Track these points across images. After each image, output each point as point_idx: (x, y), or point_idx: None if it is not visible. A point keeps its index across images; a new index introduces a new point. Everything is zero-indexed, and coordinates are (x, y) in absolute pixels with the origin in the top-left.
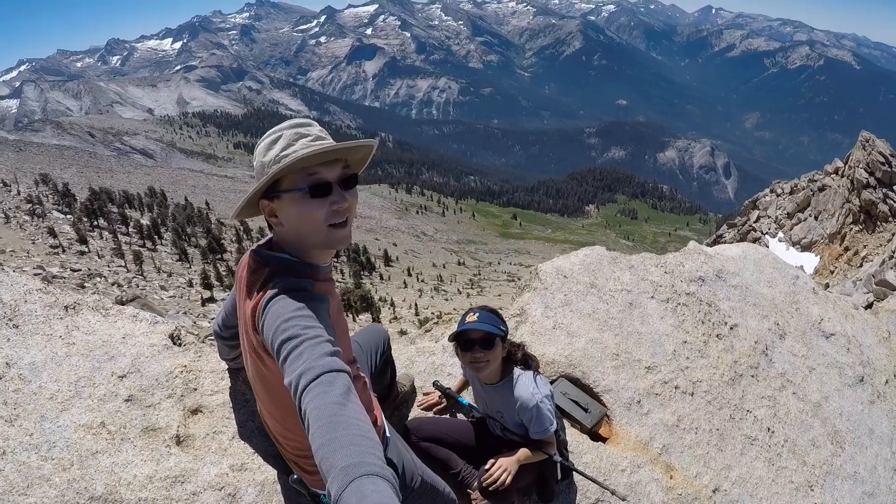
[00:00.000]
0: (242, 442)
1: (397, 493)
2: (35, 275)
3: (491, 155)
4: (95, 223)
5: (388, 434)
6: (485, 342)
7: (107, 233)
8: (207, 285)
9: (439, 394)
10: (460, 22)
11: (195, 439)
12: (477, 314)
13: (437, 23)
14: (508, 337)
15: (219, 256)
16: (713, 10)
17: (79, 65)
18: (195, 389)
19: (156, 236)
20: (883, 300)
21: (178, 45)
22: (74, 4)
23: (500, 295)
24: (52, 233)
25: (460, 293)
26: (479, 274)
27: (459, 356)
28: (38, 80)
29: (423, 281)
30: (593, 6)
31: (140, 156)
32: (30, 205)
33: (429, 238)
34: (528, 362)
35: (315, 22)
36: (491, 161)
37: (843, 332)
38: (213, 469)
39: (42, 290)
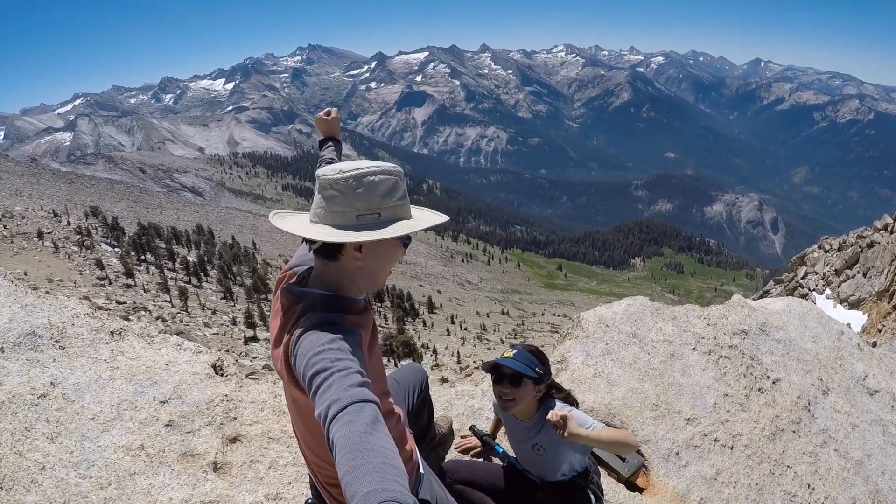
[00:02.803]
0: (279, 472)
1: None
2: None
3: (538, 205)
4: (143, 257)
5: (422, 471)
6: (514, 380)
7: (153, 267)
8: (251, 324)
9: (476, 438)
10: (509, 71)
11: (232, 467)
12: (515, 351)
13: (486, 71)
14: (552, 380)
15: (263, 296)
16: (762, 63)
17: (132, 101)
18: (235, 418)
19: (202, 273)
20: None
21: (230, 85)
22: (130, 42)
23: (542, 346)
24: (99, 265)
25: (503, 342)
26: (523, 324)
27: (493, 388)
28: (92, 115)
29: (466, 329)
30: (642, 58)
31: (189, 193)
32: (79, 236)
33: (473, 286)
34: (565, 396)
35: (366, 67)
36: (537, 211)
37: (888, 390)
38: (249, 497)
39: (89, 314)
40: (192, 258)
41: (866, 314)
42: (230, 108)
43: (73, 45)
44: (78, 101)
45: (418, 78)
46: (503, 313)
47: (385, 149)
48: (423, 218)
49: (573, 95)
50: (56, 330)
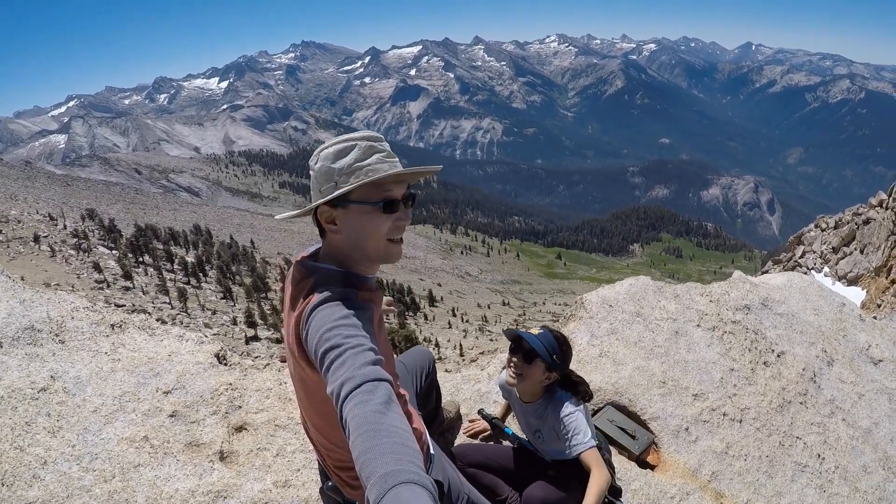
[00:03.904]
0: (286, 459)
1: (436, 501)
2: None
3: (535, 195)
4: (141, 259)
5: (432, 451)
6: (528, 356)
7: (152, 269)
8: (251, 324)
9: (485, 422)
10: (503, 63)
11: (239, 455)
12: (542, 331)
13: (480, 63)
14: (568, 374)
15: (263, 295)
16: (753, 47)
17: (126, 102)
18: (240, 407)
19: (200, 274)
20: None
21: (224, 84)
22: (124, 43)
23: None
24: (97, 268)
25: (511, 340)
26: (524, 314)
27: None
28: (86, 116)
29: (467, 321)
30: (634, 45)
31: (186, 193)
32: (76, 239)
33: (473, 278)
34: (577, 388)
35: (360, 63)
36: (535, 201)
37: (892, 358)
38: (257, 485)
39: (89, 308)
40: (190, 259)
41: (865, 290)
42: (225, 106)
43: (65, 46)
44: (72, 103)
45: (412, 72)
46: (504, 304)
47: None
48: (386, 169)
49: (567, 85)
50: (55, 324)
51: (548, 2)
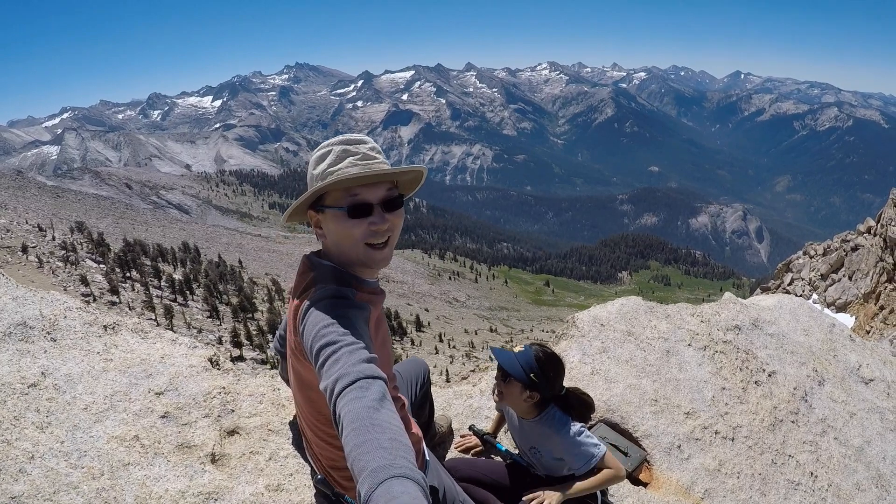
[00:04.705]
0: (279, 463)
1: (427, 496)
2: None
3: (524, 221)
4: (128, 274)
5: (427, 458)
6: (505, 375)
7: (139, 285)
8: (237, 343)
9: (476, 437)
10: (494, 89)
11: (231, 458)
12: (524, 349)
13: (471, 90)
14: (560, 390)
15: (250, 315)
16: (742, 76)
17: (120, 116)
18: (233, 411)
19: (187, 292)
20: None
21: (217, 103)
22: (119, 58)
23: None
24: (84, 281)
25: (492, 360)
26: (512, 341)
27: None
28: (79, 129)
29: (454, 347)
30: (625, 74)
31: (176, 210)
32: (64, 251)
33: (461, 304)
34: (572, 411)
35: (352, 86)
36: (524, 228)
37: (883, 378)
38: (249, 488)
39: (82, 308)
40: (177, 276)
41: (854, 316)
42: (217, 125)
43: (62, 58)
44: (66, 115)
45: (404, 97)
46: (491, 330)
47: None
48: (342, 173)
49: (557, 112)
50: (48, 322)
51: (540, 30)
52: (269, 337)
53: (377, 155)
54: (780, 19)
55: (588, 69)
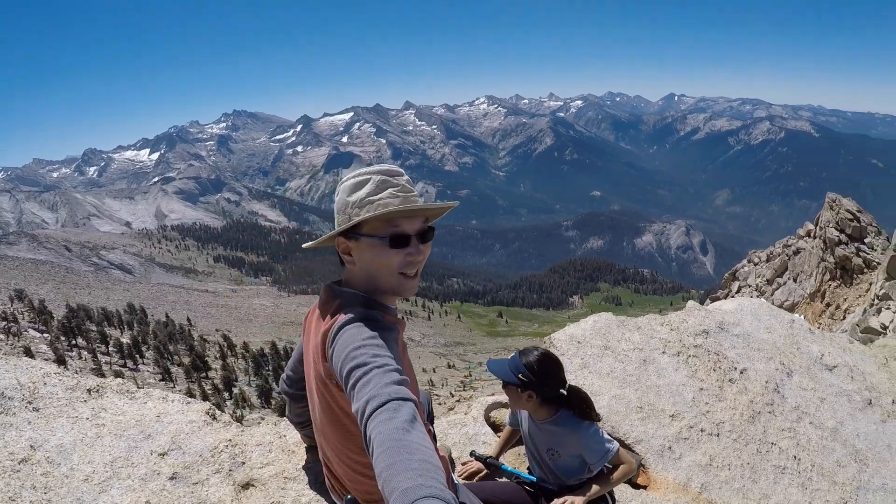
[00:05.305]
0: None
1: None
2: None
3: (472, 255)
4: (74, 342)
5: (456, 482)
6: (503, 383)
7: (86, 352)
8: None
9: (479, 462)
10: (434, 126)
11: None
12: (512, 356)
13: (411, 128)
14: (560, 388)
15: (203, 374)
16: (676, 97)
17: (55, 175)
18: (243, 463)
19: (137, 355)
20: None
21: (155, 155)
22: (52, 113)
23: (493, 394)
24: (28, 352)
25: (453, 396)
26: (470, 375)
27: None
28: (13, 190)
29: None
30: (562, 103)
31: (118, 271)
32: (4, 322)
33: (416, 343)
34: (577, 409)
35: (291, 131)
36: (472, 261)
37: (845, 363)
38: None
39: (60, 373)
40: (125, 340)
41: (802, 316)
42: (156, 179)
43: None
44: None
45: (344, 139)
46: (449, 367)
47: (315, 212)
48: (389, 206)
49: (498, 145)
50: (27, 390)
51: (476, 65)
52: (226, 395)
53: (412, 188)
54: (710, 41)
55: (525, 100)
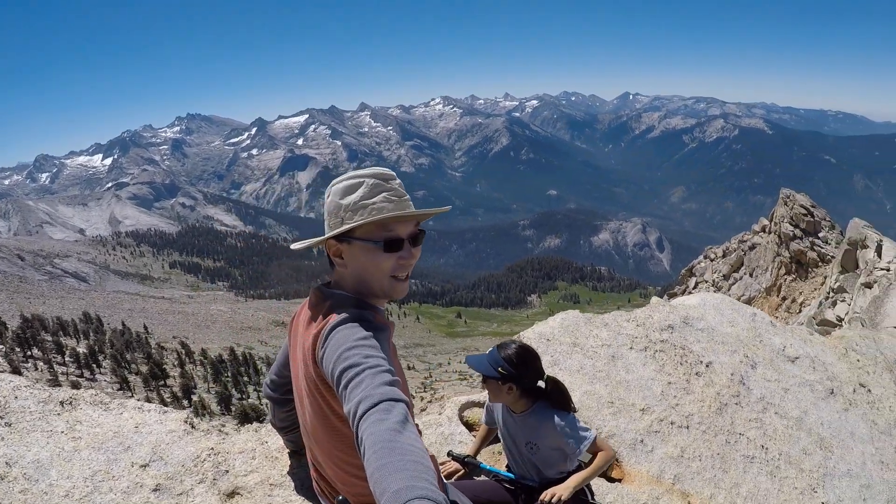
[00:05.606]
0: None
1: None
2: None
3: (429, 256)
4: (29, 353)
5: (445, 482)
6: (482, 377)
7: (41, 363)
8: None
9: (456, 462)
10: (389, 127)
11: None
12: (490, 350)
13: (366, 129)
14: (536, 380)
15: (162, 382)
16: (631, 96)
17: (6, 182)
18: (227, 472)
19: (94, 365)
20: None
21: (108, 161)
22: (1, 119)
23: (453, 395)
24: None
25: (414, 397)
26: (431, 376)
27: None
28: None
29: None
30: (517, 103)
31: (73, 279)
32: None
33: None
34: (553, 399)
35: (246, 134)
36: (430, 262)
37: (806, 354)
38: None
39: (31, 386)
40: (81, 349)
41: (759, 310)
42: (110, 184)
43: None
44: None
45: (300, 141)
46: (409, 368)
47: (271, 216)
48: (385, 211)
49: (454, 145)
50: None
51: (431, 65)
52: (186, 403)
53: (404, 192)
54: (664, 39)
55: (481, 101)
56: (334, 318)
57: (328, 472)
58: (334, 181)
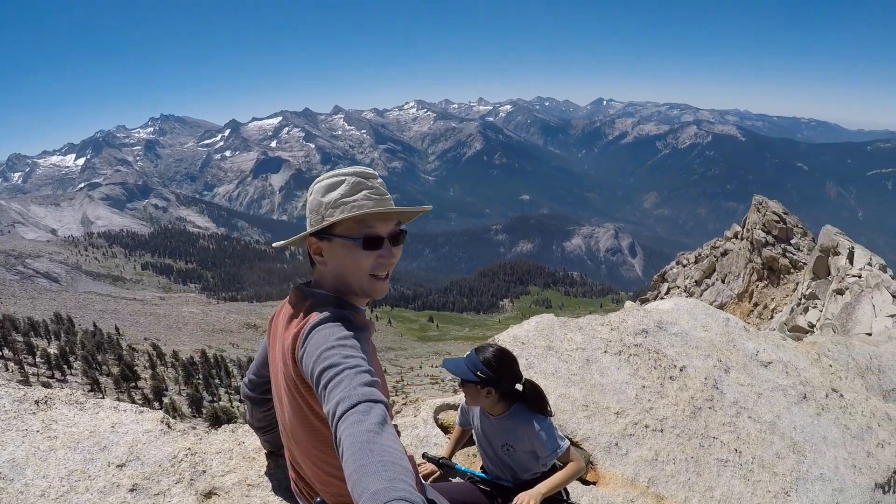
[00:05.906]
0: None
1: None
2: None
3: (401, 260)
4: (0, 354)
5: (422, 483)
6: (460, 381)
7: (12, 363)
8: None
9: (432, 464)
10: (363, 131)
11: None
12: (468, 354)
13: (340, 133)
14: (513, 383)
15: (133, 384)
16: (604, 102)
17: None
18: (204, 472)
19: (65, 366)
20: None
21: (81, 161)
22: None
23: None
24: None
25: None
26: (403, 380)
27: None
28: None
29: None
30: (491, 108)
31: (44, 280)
32: None
33: None
34: (531, 402)
35: (220, 136)
36: (402, 266)
37: (779, 359)
38: None
39: (6, 385)
40: (52, 350)
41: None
42: (82, 185)
43: None
44: None
45: (273, 144)
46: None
47: (243, 218)
48: (365, 207)
49: (427, 149)
50: None
51: (406, 69)
52: (157, 405)
53: (386, 191)
54: (639, 46)
55: (455, 105)
56: (314, 317)
57: (307, 471)
58: (317, 179)
